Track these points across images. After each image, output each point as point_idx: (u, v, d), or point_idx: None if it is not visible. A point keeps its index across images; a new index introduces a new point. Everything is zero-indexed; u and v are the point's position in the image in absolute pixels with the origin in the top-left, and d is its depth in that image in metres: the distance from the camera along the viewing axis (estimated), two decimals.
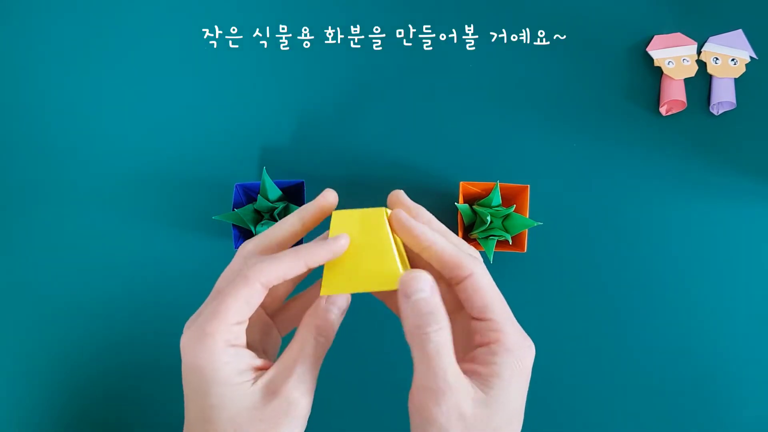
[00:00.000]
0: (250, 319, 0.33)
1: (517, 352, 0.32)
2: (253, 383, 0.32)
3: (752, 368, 0.50)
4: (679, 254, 0.52)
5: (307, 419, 0.32)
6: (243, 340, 0.33)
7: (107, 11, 0.55)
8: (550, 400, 0.50)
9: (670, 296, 0.51)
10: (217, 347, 0.31)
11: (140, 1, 0.55)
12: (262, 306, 0.36)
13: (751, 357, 0.50)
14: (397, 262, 0.33)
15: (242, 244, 0.35)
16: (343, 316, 0.34)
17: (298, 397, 0.32)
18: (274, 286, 0.34)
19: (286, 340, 0.36)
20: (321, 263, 0.33)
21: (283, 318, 0.38)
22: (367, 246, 0.34)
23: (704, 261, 0.52)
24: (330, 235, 0.34)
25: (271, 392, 0.32)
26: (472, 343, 0.33)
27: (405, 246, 0.35)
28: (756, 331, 0.51)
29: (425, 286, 0.31)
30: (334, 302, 0.34)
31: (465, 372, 0.31)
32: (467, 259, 0.32)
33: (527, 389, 0.33)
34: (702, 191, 0.53)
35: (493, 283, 0.33)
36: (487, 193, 0.49)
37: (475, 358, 0.32)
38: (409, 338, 0.31)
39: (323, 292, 0.34)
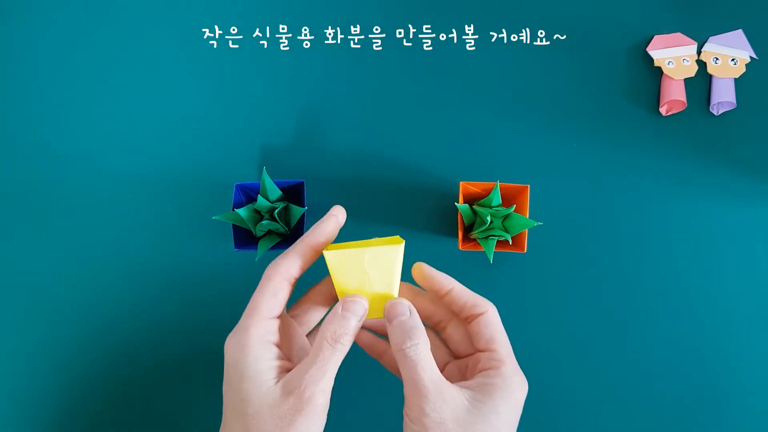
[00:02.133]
0: (279, 328, 0.37)
1: (511, 381, 0.36)
2: (276, 381, 0.35)
3: (752, 368, 0.50)
4: (678, 254, 0.52)
5: (325, 416, 0.35)
6: (275, 337, 0.37)
7: (107, 11, 0.55)
8: (550, 400, 0.50)
9: (670, 296, 0.51)
10: (251, 340, 0.35)
11: (140, 1, 0.55)
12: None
13: (752, 357, 0.50)
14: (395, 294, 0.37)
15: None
16: (362, 322, 0.37)
17: (311, 397, 0.34)
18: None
19: None
20: (325, 244, 0.38)
21: (301, 315, 0.41)
22: (373, 280, 0.37)
23: (704, 261, 0.52)
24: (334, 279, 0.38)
25: (288, 391, 0.34)
26: (474, 367, 0.38)
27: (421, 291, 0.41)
28: (756, 331, 0.51)
29: (404, 310, 0.36)
30: (350, 310, 0.37)
31: (462, 386, 0.35)
32: (483, 299, 0.38)
33: (516, 423, 0.36)
34: (702, 191, 0.53)
35: (502, 324, 0.38)
36: (487, 193, 0.49)
37: (474, 378, 0.36)
38: (396, 358, 0.36)
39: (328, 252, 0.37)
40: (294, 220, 0.48)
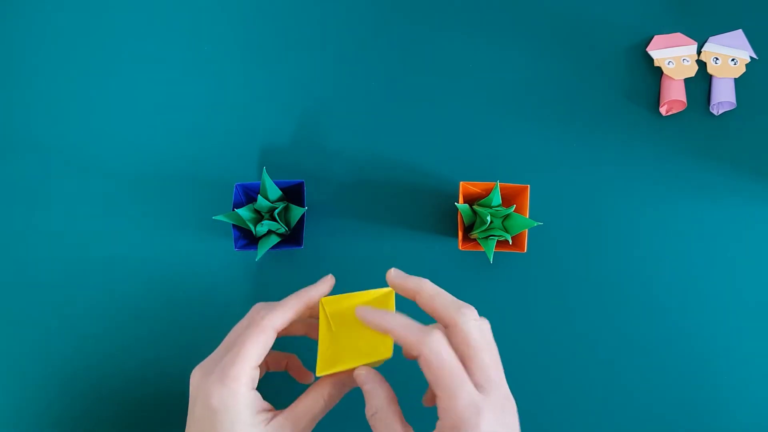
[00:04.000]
0: None
1: (459, 427, 0.33)
2: (265, 425, 0.37)
3: (753, 368, 0.50)
4: (678, 254, 0.52)
5: None
6: (256, 383, 0.38)
7: (108, 10, 0.55)
8: (550, 400, 0.50)
9: (670, 296, 0.51)
10: (241, 390, 0.36)
11: (141, 1, 0.55)
12: None
13: (752, 357, 0.50)
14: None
15: (254, 306, 0.40)
16: (349, 390, 0.40)
17: None
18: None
19: None
20: (318, 299, 0.40)
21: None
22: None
23: (704, 261, 0.52)
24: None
25: None
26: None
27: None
28: (756, 331, 0.51)
29: (362, 380, 0.37)
30: (361, 376, 0.38)
31: None
32: (420, 334, 0.35)
33: None
34: (702, 191, 0.53)
35: (446, 358, 0.35)
36: (487, 193, 0.49)
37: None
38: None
39: (319, 372, 0.39)
40: (294, 220, 0.48)
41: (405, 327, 0.36)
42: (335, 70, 0.54)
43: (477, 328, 0.36)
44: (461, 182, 0.48)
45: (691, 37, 0.55)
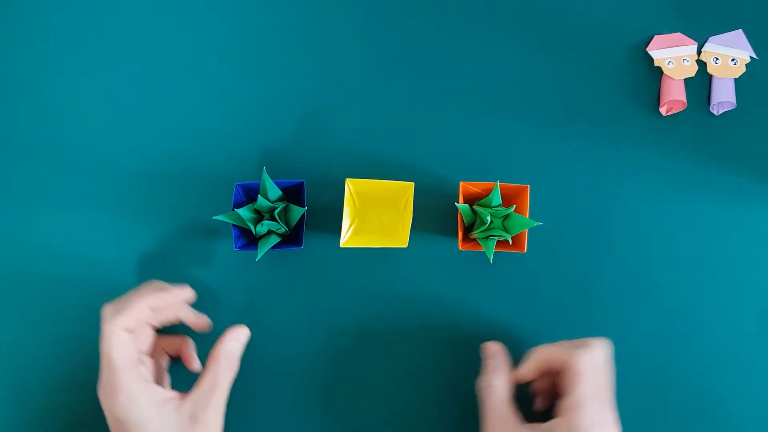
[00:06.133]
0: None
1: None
2: (176, 415, 0.39)
3: (753, 368, 0.50)
4: (679, 254, 0.52)
5: None
6: (150, 374, 0.41)
7: (107, 9, 0.55)
8: None
9: (670, 296, 0.51)
10: (132, 393, 0.38)
11: (141, 1, 0.55)
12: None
13: (752, 357, 0.50)
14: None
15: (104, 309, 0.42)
16: (244, 348, 0.44)
17: (214, 421, 0.40)
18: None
19: None
20: (157, 301, 0.43)
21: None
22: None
23: (704, 261, 0.52)
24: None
25: (193, 420, 0.39)
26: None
27: None
28: (757, 331, 0.51)
29: (491, 352, 0.44)
30: (236, 338, 0.43)
31: (534, 428, 0.40)
32: (569, 349, 0.41)
33: None
34: (702, 191, 0.53)
35: (593, 369, 0.40)
36: (487, 193, 0.49)
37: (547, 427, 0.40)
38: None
39: (343, 244, 0.46)
40: (294, 220, 0.48)
41: (552, 346, 0.42)
42: (335, 70, 0.54)
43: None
44: (461, 182, 0.48)
45: (691, 37, 0.55)
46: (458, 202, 0.47)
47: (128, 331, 0.40)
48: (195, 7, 0.55)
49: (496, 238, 0.47)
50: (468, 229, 0.49)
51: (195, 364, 0.47)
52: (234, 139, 0.53)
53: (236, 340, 0.44)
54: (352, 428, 0.48)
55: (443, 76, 0.55)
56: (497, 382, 0.42)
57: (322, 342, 0.50)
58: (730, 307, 0.51)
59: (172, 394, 0.41)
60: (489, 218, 0.46)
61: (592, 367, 0.40)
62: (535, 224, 0.45)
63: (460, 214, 0.47)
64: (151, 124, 0.53)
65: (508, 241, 0.47)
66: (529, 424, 0.40)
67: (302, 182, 0.48)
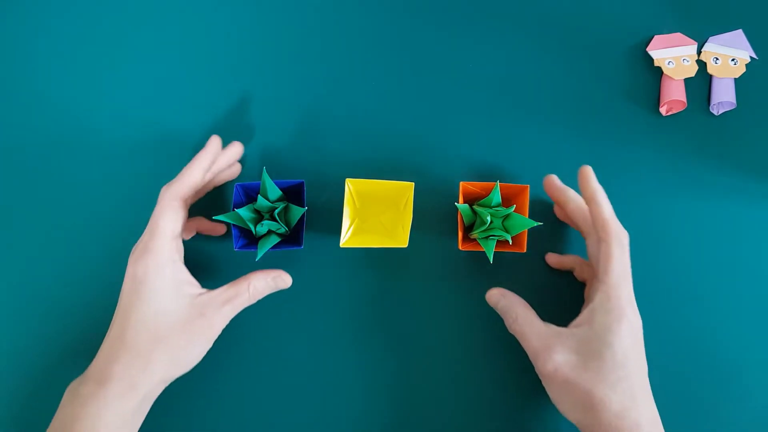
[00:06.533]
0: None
1: (616, 315, 0.40)
2: (191, 299, 0.42)
3: (753, 368, 0.50)
4: (678, 254, 0.52)
5: (212, 343, 0.43)
6: (180, 255, 0.43)
7: (106, 9, 0.55)
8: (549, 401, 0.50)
9: (670, 296, 0.51)
10: (162, 261, 0.41)
11: (141, 1, 0.55)
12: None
13: (753, 357, 0.50)
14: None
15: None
16: (273, 291, 0.46)
17: (217, 325, 0.42)
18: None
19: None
20: (210, 163, 0.45)
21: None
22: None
23: (704, 261, 0.52)
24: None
25: (200, 314, 0.41)
26: (592, 293, 0.43)
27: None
28: (758, 331, 0.51)
29: (496, 299, 0.46)
30: (274, 282, 0.45)
31: (573, 327, 0.42)
32: (609, 226, 0.42)
33: (638, 357, 0.41)
34: (702, 191, 0.53)
35: (622, 255, 0.42)
36: (487, 193, 0.49)
37: (583, 312, 0.42)
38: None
39: (342, 244, 0.46)
40: (294, 220, 0.48)
41: (609, 209, 0.43)
42: (335, 71, 0.54)
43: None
44: (461, 182, 0.48)
45: (691, 37, 0.55)
46: (458, 202, 0.47)
47: (181, 203, 0.43)
48: (195, 8, 0.55)
49: (496, 238, 0.47)
50: (468, 229, 0.49)
51: (221, 229, 0.50)
52: (234, 139, 0.53)
53: (273, 282, 0.45)
54: (351, 427, 0.48)
55: (443, 76, 0.55)
56: (519, 311, 0.44)
57: (322, 342, 0.50)
58: (730, 305, 0.51)
59: (195, 282, 0.43)
60: (489, 218, 0.46)
61: (620, 246, 0.42)
62: (535, 224, 0.45)
63: (460, 214, 0.47)
64: (151, 125, 0.53)
65: (508, 241, 0.47)
66: (566, 328, 0.42)
67: (302, 182, 0.48)
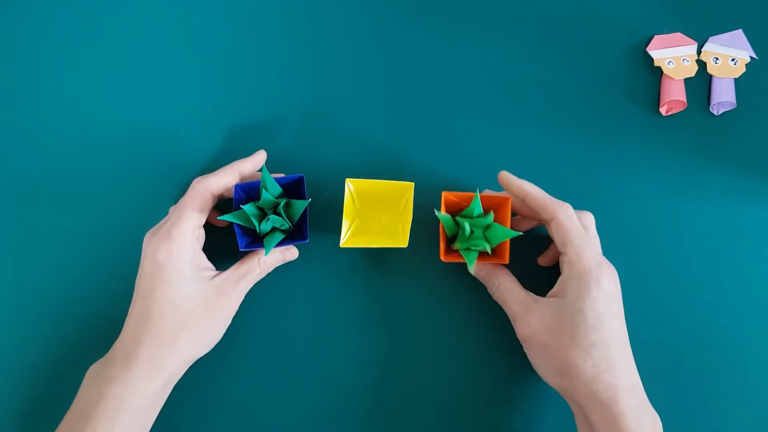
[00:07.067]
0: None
1: (584, 280, 0.42)
2: (209, 281, 0.44)
3: (754, 367, 0.50)
4: (678, 254, 0.52)
5: (231, 320, 0.46)
6: (202, 242, 0.46)
7: (104, 9, 0.55)
8: (550, 401, 0.50)
9: (670, 296, 0.51)
10: (185, 246, 0.43)
11: (141, 1, 0.55)
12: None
13: (753, 356, 0.50)
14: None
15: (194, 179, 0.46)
16: (282, 262, 0.49)
17: (235, 302, 0.45)
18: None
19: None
20: (249, 173, 0.48)
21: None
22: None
23: (704, 261, 0.52)
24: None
25: (220, 292, 0.44)
26: (561, 269, 0.44)
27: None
28: (758, 331, 0.51)
29: (479, 269, 0.47)
30: (283, 255, 0.48)
31: (549, 296, 0.44)
32: (554, 204, 0.44)
33: (615, 314, 0.42)
34: (702, 191, 0.53)
35: (575, 224, 0.44)
36: (468, 203, 0.48)
37: (557, 283, 0.44)
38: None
39: (342, 244, 0.47)
40: (297, 215, 0.48)
41: (544, 194, 0.45)
42: (335, 71, 0.55)
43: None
44: (443, 192, 0.47)
45: (691, 37, 0.55)
46: (440, 212, 0.46)
47: (211, 196, 0.45)
48: (195, 8, 0.56)
49: (477, 249, 0.45)
50: (451, 241, 0.48)
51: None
52: (234, 139, 0.53)
53: (281, 255, 0.48)
54: (351, 427, 0.49)
55: (443, 76, 0.55)
56: (501, 279, 0.46)
57: (322, 342, 0.50)
58: (730, 305, 0.51)
59: (212, 266, 0.46)
60: (468, 227, 0.45)
61: (566, 216, 0.44)
62: (517, 234, 0.44)
63: (442, 225, 0.47)
64: (151, 125, 0.54)
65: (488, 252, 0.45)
66: (544, 297, 0.44)
67: (302, 176, 0.48)
